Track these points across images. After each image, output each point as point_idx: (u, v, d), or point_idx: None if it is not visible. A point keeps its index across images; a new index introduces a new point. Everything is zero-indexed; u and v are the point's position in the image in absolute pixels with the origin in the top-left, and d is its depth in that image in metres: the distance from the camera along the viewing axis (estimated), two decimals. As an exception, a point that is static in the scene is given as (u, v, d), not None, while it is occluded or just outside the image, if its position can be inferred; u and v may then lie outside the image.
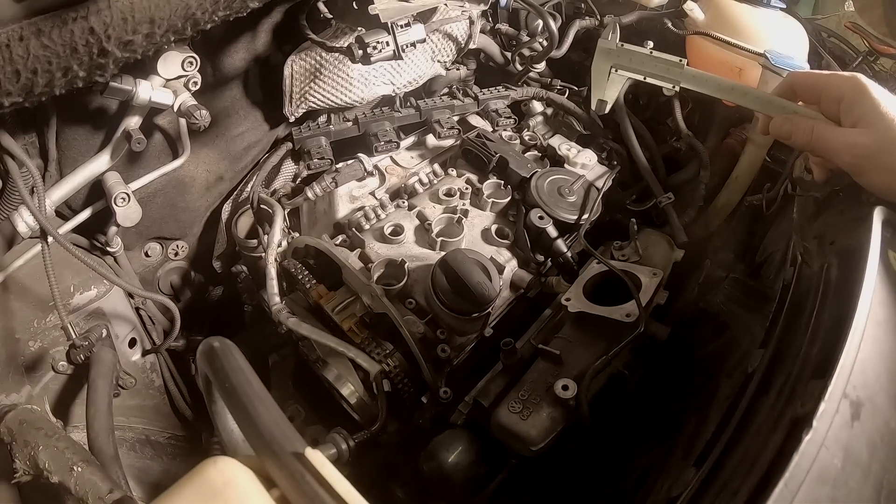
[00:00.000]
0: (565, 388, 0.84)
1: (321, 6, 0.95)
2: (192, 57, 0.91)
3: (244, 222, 1.13)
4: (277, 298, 0.93)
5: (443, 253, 0.99)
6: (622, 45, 0.86)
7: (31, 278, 0.98)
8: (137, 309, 1.08)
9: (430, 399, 0.91)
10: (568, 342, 0.92)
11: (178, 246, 1.14)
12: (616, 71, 0.87)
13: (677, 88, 0.84)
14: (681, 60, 0.83)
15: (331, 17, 0.94)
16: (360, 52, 0.82)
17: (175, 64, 0.90)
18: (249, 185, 1.11)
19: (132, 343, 1.09)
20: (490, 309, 0.93)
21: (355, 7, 0.84)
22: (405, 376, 0.88)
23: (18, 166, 0.80)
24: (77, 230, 1.00)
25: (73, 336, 0.86)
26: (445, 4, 1.02)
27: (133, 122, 0.92)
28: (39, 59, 0.62)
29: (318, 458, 0.39)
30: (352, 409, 0.90)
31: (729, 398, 0.82)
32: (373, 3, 0.82)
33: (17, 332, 0.99)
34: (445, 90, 1.22)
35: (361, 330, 0.90)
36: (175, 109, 0.90)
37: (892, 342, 0.54)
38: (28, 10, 0.59)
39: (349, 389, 0.89)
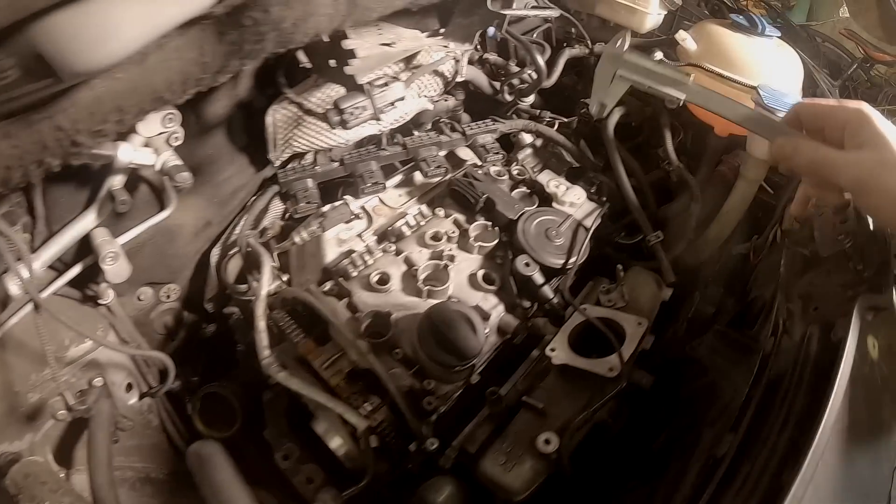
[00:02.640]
0: (547, 441, 0.86)
1: (300, 55, 0.93)
2: (173, 113, 0.90)
3: (234, 265, 1.14)
4: (267, 352, 0.94)
5: (430, 301, 1.00)
6: (629, 51, 0.79)
7: (27, 334, 1.00)
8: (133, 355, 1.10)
9: (418, 449, 0.93)
10: (552, 393, 0.94)
11: (169, 289, 1.15)
12: (619, 76, 0.80)
13: (681, 103, 0.80)
14: (688, 74, 0.77)
15: (310, 66, 0.93)
16: (338, 118, 0.81)
17: (155, 122, 0.90)
18: (238, 228, 1.12)
19: (129, 387, 1.11)
20: (475, 361, 0.94)
21: (332, 65, 0.82)
22: (392, 430, 0.90)
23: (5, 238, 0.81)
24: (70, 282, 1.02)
25: (70, 402, 0.89)
26: (429, 47, 1.00)
27: (116, 181, 0.92)
28: (11, 157, 0.62)
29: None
30: (340, 460, 0.92)
31: (709, 449, 0.84)
32: (349, 64, 0.80)
33: (16, 385, 1.01)
34: (432, 124, 1.21)
35: (349, 385, 0.91)
36: (157, 169, 0.90)
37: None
38: (-5, 116, 0.59)
39: (337, 443, 0.91)
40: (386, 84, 0.82)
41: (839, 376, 0.56)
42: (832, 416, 0.56)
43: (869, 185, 0.66)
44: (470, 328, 0.93)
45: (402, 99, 0.85)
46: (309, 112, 0.90)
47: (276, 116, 0.99)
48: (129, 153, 0.86)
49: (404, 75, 0.98)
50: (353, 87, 0.81)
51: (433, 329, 0.92)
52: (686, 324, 1.12)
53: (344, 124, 0.82)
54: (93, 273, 1.03)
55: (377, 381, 0.91)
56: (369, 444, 0.87)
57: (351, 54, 0.76)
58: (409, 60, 1.01)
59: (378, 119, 0.84)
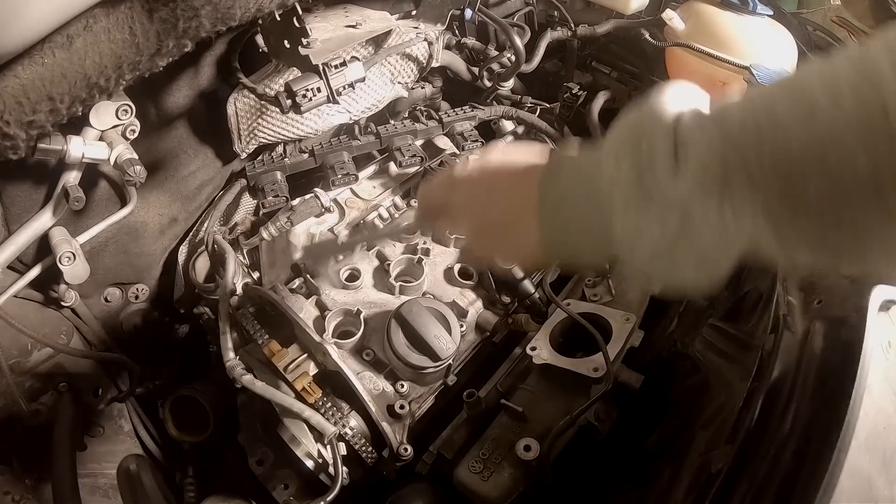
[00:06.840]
0: (528, 448, 0.80)
1: (259, 39, 0.88)
2: (127, 105, 0.85)
3: (202, 263, 1.09)
4: (232, 354, 0.90)
5: (403, 297, 0.95)
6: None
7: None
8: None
9: (391, 455, 0.88)
10: (533, 395, 0.88)
11: (137, 289, 1.11)
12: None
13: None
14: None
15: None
16: (289, 101, 0.75)
17: (108, 114, 0.85)
18: (205, 225, 1.07)
19: (97, 392, 1.07)
20: (451, 361, 0.89)
21: (287, 46, 0.76)
22: (362, 437, 0.85)
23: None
24: (32, 283, 0.97)
25: (25, 408, 0.84)
26: (398, 28, 0.94)
27: (72, 177, 0.87)
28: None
29: None
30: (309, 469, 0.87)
31: (702, 454, 0.78)
32: (304, 44, 0.74)
33: (-19, 391, 0.98)
34: (408, 112, 1.15)
35: (316, 389, 0.86)
36: (112, 163, 0.85)
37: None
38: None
39: (304, 451, 0.86)
40: (344, 64, 0.77)
41: (857, 382, 0.50)
42: (850, 432, 0.49)
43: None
44: (443, 326, 0.88)
45: (362, 80, 0.80)
46: (265, 99, 0.85)
47: (238, 106, 0.94)
48: (80, 147, 0.81)
49: (367, 56, 0.92)
50: (308, 68, 0.76)
51: (404, 327, 0.87)
52: (677, 318, 1.06)
53: (297, 108, 0.76)
54: (55, 274, 0.99)
55: (346, 384, 0.86)
56: (337, 453, 0.82)
57: (304, 32, 0.71)
58: (376, 42, 0.96)
59: (335, 101, 0.78)
